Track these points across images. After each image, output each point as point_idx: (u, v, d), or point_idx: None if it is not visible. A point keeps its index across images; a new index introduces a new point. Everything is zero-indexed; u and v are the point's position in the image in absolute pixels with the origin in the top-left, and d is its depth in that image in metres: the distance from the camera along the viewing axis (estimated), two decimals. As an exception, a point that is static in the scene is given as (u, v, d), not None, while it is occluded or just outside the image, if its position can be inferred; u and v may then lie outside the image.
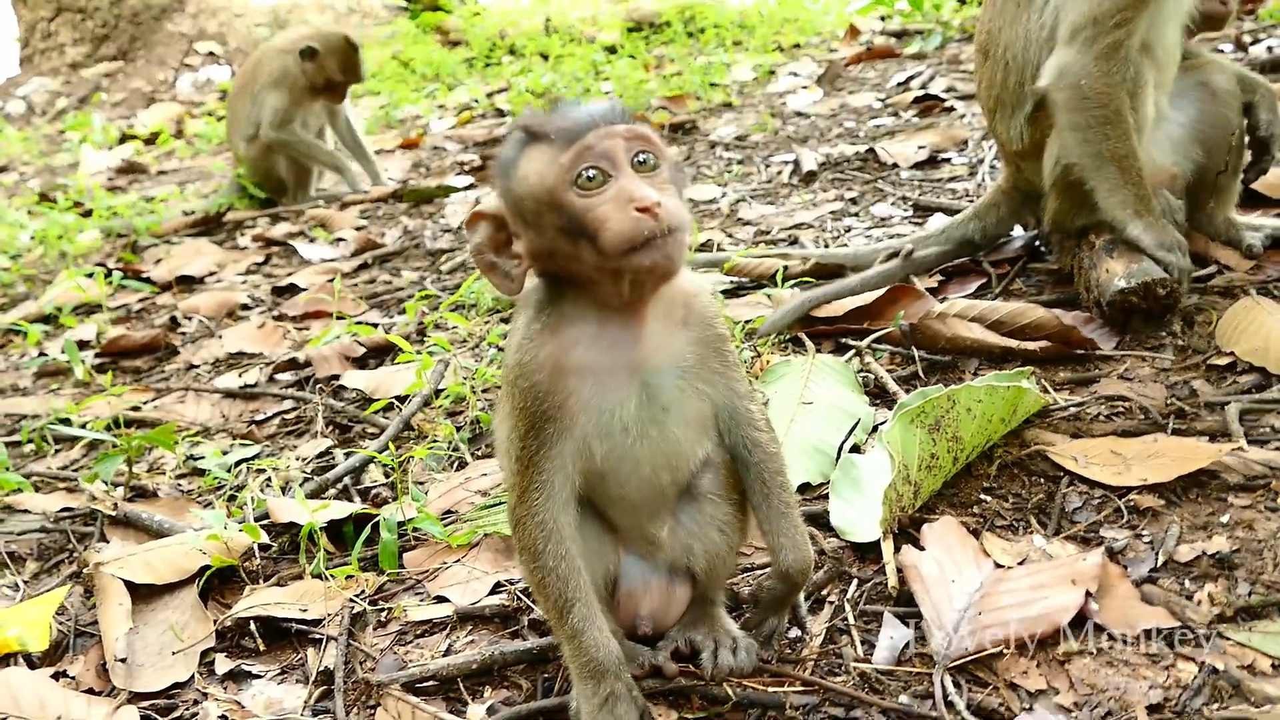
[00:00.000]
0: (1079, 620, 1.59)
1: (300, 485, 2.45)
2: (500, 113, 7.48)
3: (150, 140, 8.76)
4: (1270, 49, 4.91)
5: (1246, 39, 5.16)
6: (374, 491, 2.45)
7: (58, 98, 10.69)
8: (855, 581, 1.81)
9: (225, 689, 1.83)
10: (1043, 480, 2.02)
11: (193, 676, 1.87)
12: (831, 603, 1.77)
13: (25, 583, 2.31)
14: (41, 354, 3.90)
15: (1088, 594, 1.60)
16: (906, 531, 1.88)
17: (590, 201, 1.33)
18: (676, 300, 1.49)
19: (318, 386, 3.13)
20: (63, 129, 9.75)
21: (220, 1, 11.41)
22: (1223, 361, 2.34)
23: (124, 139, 8.88)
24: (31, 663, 1.97)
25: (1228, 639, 1.54)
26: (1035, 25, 2.69)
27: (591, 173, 1.34)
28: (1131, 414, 2.21)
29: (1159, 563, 1.72)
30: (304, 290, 4.10)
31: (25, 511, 2.60)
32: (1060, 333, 2.48)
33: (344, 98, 5.74)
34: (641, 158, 1.37)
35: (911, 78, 6.10)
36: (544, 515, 1.45)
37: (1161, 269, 2.50)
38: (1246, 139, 2.82)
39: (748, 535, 1.66)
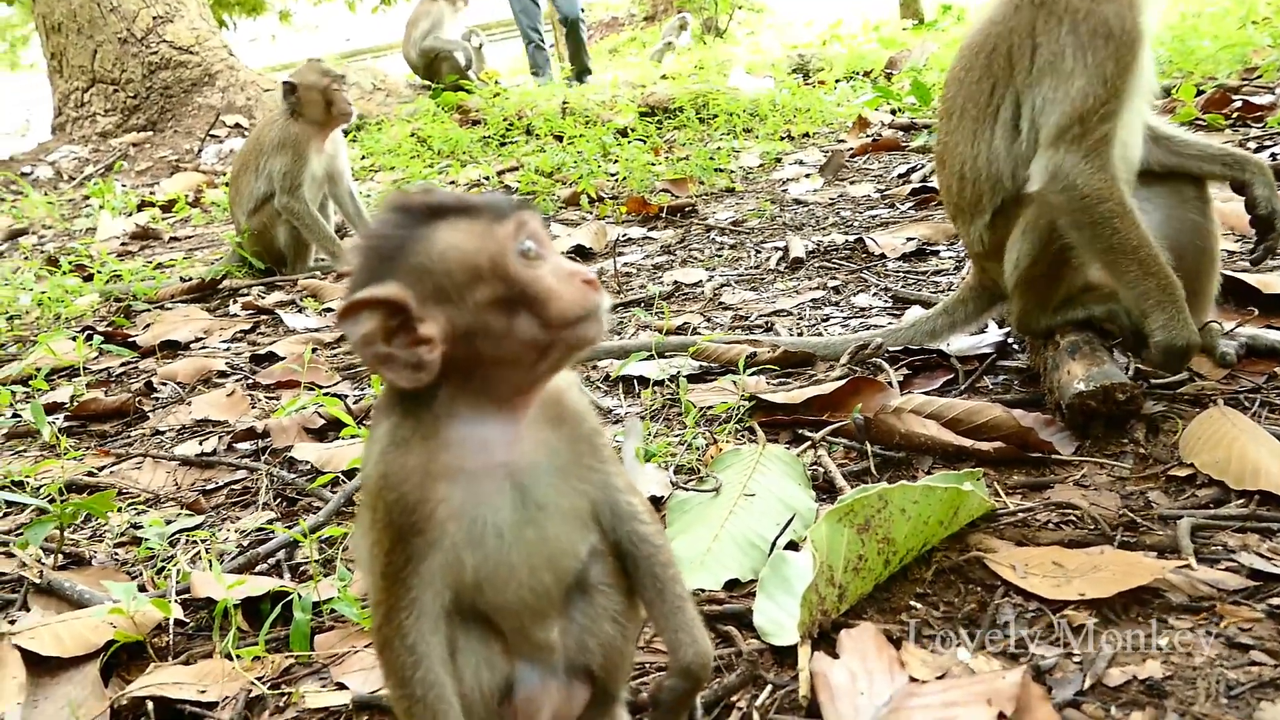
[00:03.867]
0: (991, 743, 1.49)
1: (229, 559, 2.39)
2: (508, 189, 7.56)
3: (167, 207, 8.90)
4: (1275, 156, 4.88)
5: (1251, 145, 5.15)
6: (304, 568, 2.38)
7: (86, 165, 10.93)
8: (770, 687, 1.72)
9: (107, 774, 1.75)
10: (979, 589, 1.93)
11: (80, 758, 1.80)
12: (740, 709, 1.68)
13: (-61, 650, 2.24)
14: (15, 415, 3.89)
15: (1002, 716, 1.51)
16: (828, 636, 1.79)
17: (535, 273, 1.29)
18: (549, 396, 1.42)
19: (271, 457, 3.09)
20: (86, 195, 9.95)
21: (249, 76, 11.72)
22: (1183, 473, 2.26)
23: (142, 205, 9.03)
24: (-77, 735, 1.90)
25: (1147, 771, 1.44)
26: (1002, 141, 2.66)
27: (529, 245, 1.30)
28: (1081, 523, 2.12)
29: (1086, 685, 1.62)
30: (281, 359, 4.09)
31: (-43, 576, 2.56)
32: (1017, 434, 2.41)
33: (345, 120, 5.83)
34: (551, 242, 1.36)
35: (912, 170, 6.13)
36: (413, 638, 1.35)
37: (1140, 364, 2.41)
38: (1250, 221, 2.76)
39: (641, 623, 1.58)
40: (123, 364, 4.47)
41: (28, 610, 2.33)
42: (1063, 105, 2.52)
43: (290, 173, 5.66)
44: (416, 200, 1.34)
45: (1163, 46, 6.81)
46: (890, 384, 2.84)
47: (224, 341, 4.64)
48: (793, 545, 2.12)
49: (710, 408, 2.89)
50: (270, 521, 2.66)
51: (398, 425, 1.36)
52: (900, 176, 6.06)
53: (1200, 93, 6.50)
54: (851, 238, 4.71)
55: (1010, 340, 3.09)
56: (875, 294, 3.90)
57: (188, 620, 2.18)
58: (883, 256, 4.36)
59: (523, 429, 1.38)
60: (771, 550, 2.07)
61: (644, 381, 3.21)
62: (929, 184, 5.58)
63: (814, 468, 2.47)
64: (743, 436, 2.73)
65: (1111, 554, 1.95)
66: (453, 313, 1.30)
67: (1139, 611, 1.80)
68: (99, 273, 6.00)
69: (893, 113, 8.25)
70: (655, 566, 1.49)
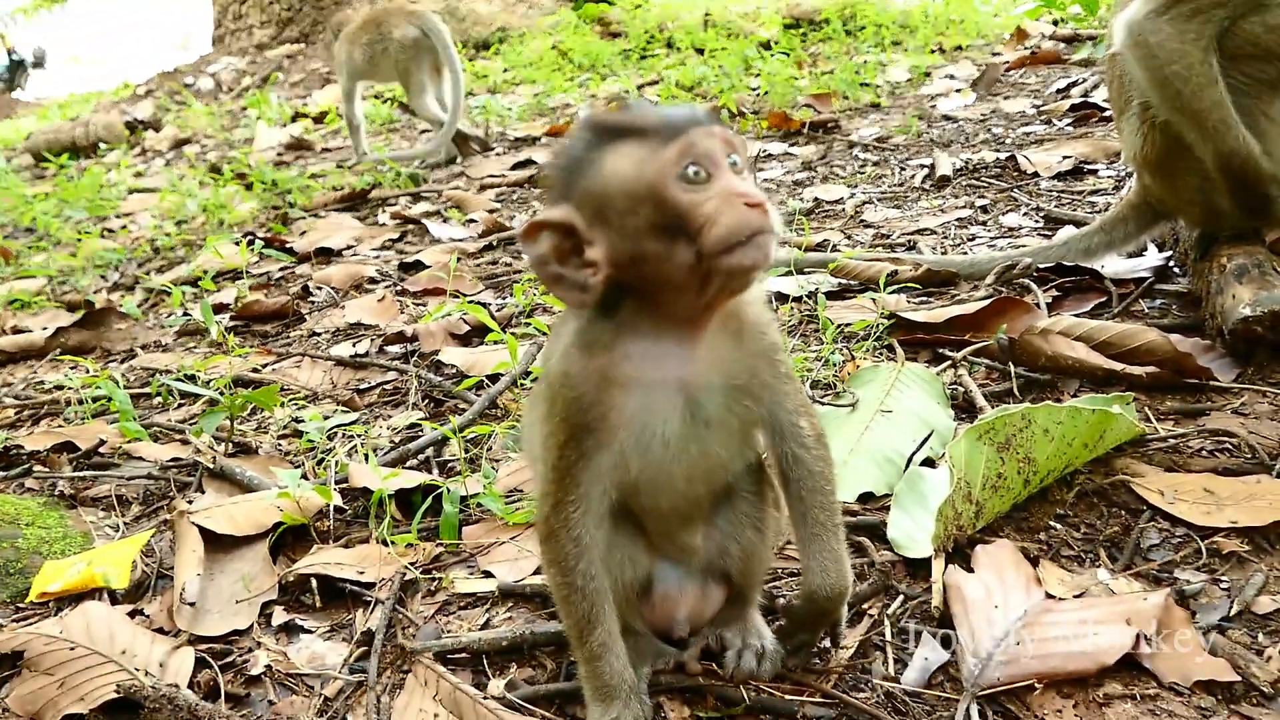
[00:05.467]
0: (1128, 663, 1.48)
1: (382, 454, 2.53)
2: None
3: (319, 119, 9.20)
4: None
5: None
6: (450, 465, 2.50)
7: (243, 76, 11.36)
8: (901, 598, 1.74)
9: (277, 640, 1.90)
10: (1123, 512, 1.89)
11: (252, 626, 1.95)
12: (871, 616, 1.71)
13: (126, 525, 2.46)
14: (185, 314, 4.16)
15: (1142, 635, 1.49)
16: (963, 551, 1.79)
17: (696, 197, 1.26)
18: (731, 309, 1.41)
19: (420, 360, 3.22)
20: (244, 106, 10.36)
21: (395, -11, 11.89)
22: (1355, 403, 2.14)
23: (296, 117, 9.36)
24: (114, 599, 2.09)
25: (1293, 701, 1.41)
26: None
27: (695, 169, 1.27)
28: (1237, 452, 2.04)
29: (1232, 612, 1.59)
30: (428, 267, 4.23)
31: (140, 459, 2.78)
32: (1172, 359, 2.31)
33: None
34: (733, 160, 1.31)
35: (1072, 85, 5.83)
36: (579, 530, 1.41)
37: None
38: None
39: (779, 529, 1.62)
40: (281, 268, 4.70)
41: (203, 492, 2.53)
42: None
43: None
44: (599, 119, 1.34)
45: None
46: (1038, 305, 2.76)
47: (374, 249, 4.82)
48: (929, 463, 2.11)
49: (848, 325, 2.87)
50: (419, 421, 2.79)
51: (584, 329, 1.40)
52: (1059, 91, 5.77)
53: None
54: (1003, 155, 4.53)
55: (1171, 263, 2.95)
56: (1026, 214, 3.76)
57: (346, 507, 2.32)
58: (1035, 175, 4.19)
59: (700, 346, 1.40)
60: (908, 466, 2.07)
61: (782, 297, 3.20)
62: (1090, 99, 5.30)
63: (954, 387, 2.44)
64: (881, 354, 2.71)
65: (1269, 483, 1.88)
66: (615, 237, 1.31)
67: (1295, 543, 1.74)
68: (256, 183, 6.28)
69: (1055, 23, 7.83)
70: (803, 490, 1.50)
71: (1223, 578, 1.68)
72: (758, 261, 1.28)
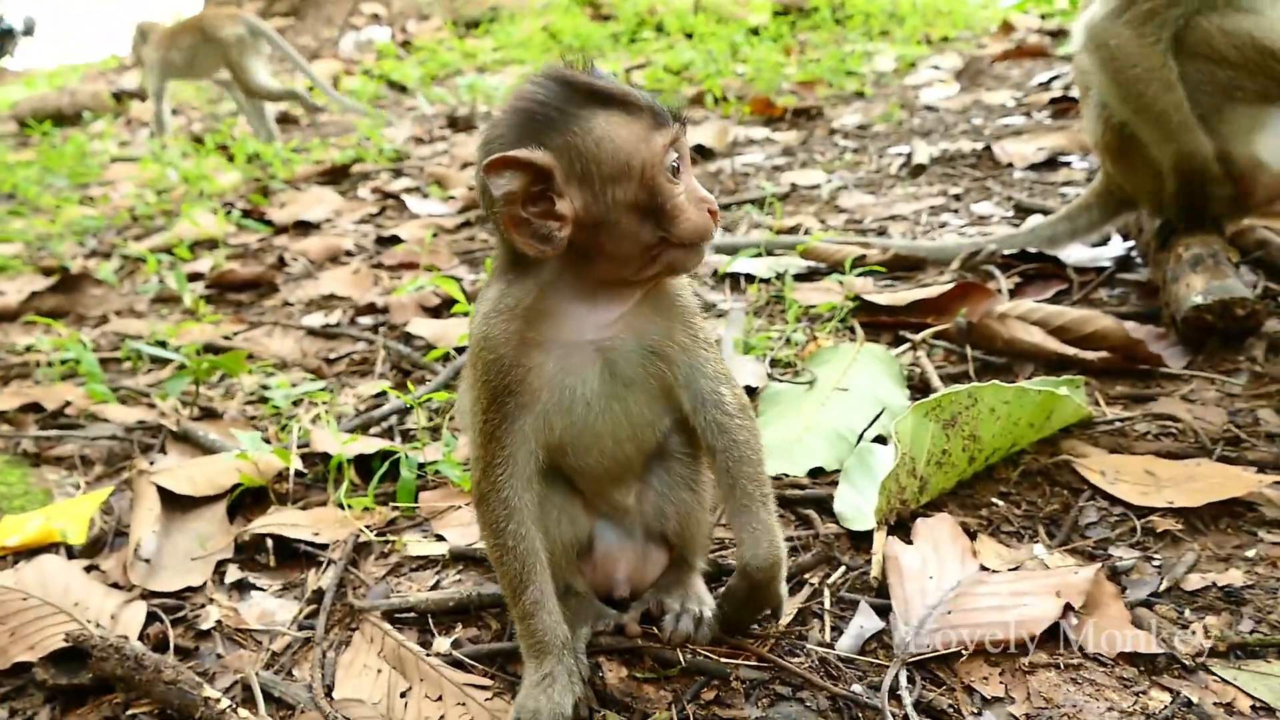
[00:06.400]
0: (1056, 633, 1.51)
1: (347, 421, 2.55)
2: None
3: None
4: None
5: None
6: (413, 433, 2.52)
7: (232, 48, 11.28)
8: (843, 568, 1.77)
9: (230, 597, 1.92)
10: (1064, 491, 1.93)
11: (205, 583, 1.97)
12: (812, 585, 1.74)
13: (88, 484, 2.47)
14: (160, 281, 4.16)
15: (1069, 607, 1.53)
16: (906, 525, 1.82)
17: (673, 189, 1.33)
18: None
19: (389, 331, 3.24)
20: (232, 78, 10.30)
21: (386, -35, 11.84)
22: (1300, 392, 2.18)
23: (283, 91, 9.30)
24: (71, 554, 2.11)
25: (1213, 674, 1.44)
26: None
27: (677, 163, 1.34)
28: (1181, 436, 2.08)
29: (1162, 588, 1.62)
30: (404, 241, 4.24)
31: (105, 421, 2.79)
32: (1125, 345, 2.35)
33: None
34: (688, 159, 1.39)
35: (1054, 78, 5.86)
36: (507, 492, 1.44)
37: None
38: None
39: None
40: (259, 239, 4.70)
41: (165, 454, 2.55)
42: None
43: None
44: (581, 78, 1.34)
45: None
46: (1000, 290, 2.79)
47: (353, 223, 4.82)
48: (882, 440, 2.14)
49: (813, 306, 2.90)
50: (386, 390, 2.80)
51: (505, 292, 1.42)
52: (1041, 85, 5.80)
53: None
54: (980, 145, 4.56)
55: (1133, 253, 2.98)
56: (998, 202, 3.79)
57: (306, 472, 2.34)
58: (1010, 165, 4.23)
59: (620, 309, 1.43)
60: (859, 442, 2.10)
61: (751, 279, 3.22)
62: (1071, 94, 5.33)
63: (912, 368, 2.47)
64: (843, 335, 2.74)
65: (1209, 466, 1.92)
66: (589, 199, 1.32)
67: (1229, 523, 1.78)
68: (238, 155, 6.27)
69: (1042, 17, 7.85)
70: (730, 461, 1.51)
71: (1155, 555, 1.71)
72: (696, 262, 1.40)
